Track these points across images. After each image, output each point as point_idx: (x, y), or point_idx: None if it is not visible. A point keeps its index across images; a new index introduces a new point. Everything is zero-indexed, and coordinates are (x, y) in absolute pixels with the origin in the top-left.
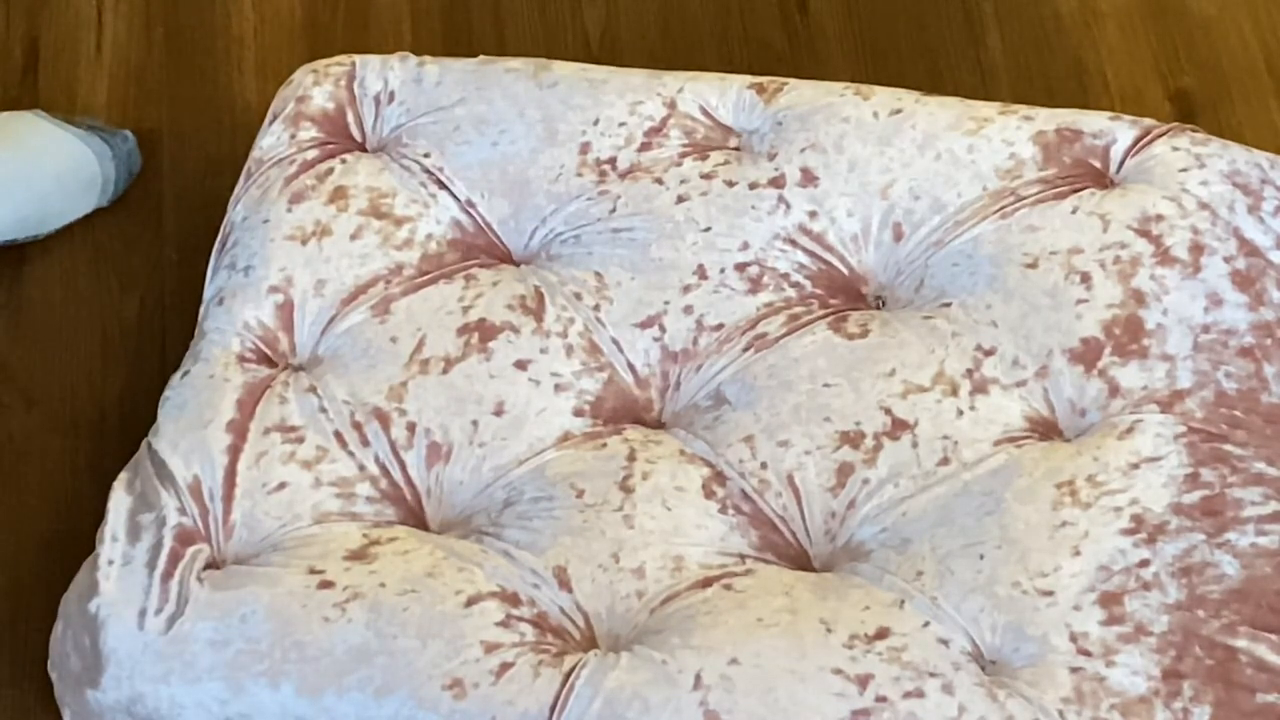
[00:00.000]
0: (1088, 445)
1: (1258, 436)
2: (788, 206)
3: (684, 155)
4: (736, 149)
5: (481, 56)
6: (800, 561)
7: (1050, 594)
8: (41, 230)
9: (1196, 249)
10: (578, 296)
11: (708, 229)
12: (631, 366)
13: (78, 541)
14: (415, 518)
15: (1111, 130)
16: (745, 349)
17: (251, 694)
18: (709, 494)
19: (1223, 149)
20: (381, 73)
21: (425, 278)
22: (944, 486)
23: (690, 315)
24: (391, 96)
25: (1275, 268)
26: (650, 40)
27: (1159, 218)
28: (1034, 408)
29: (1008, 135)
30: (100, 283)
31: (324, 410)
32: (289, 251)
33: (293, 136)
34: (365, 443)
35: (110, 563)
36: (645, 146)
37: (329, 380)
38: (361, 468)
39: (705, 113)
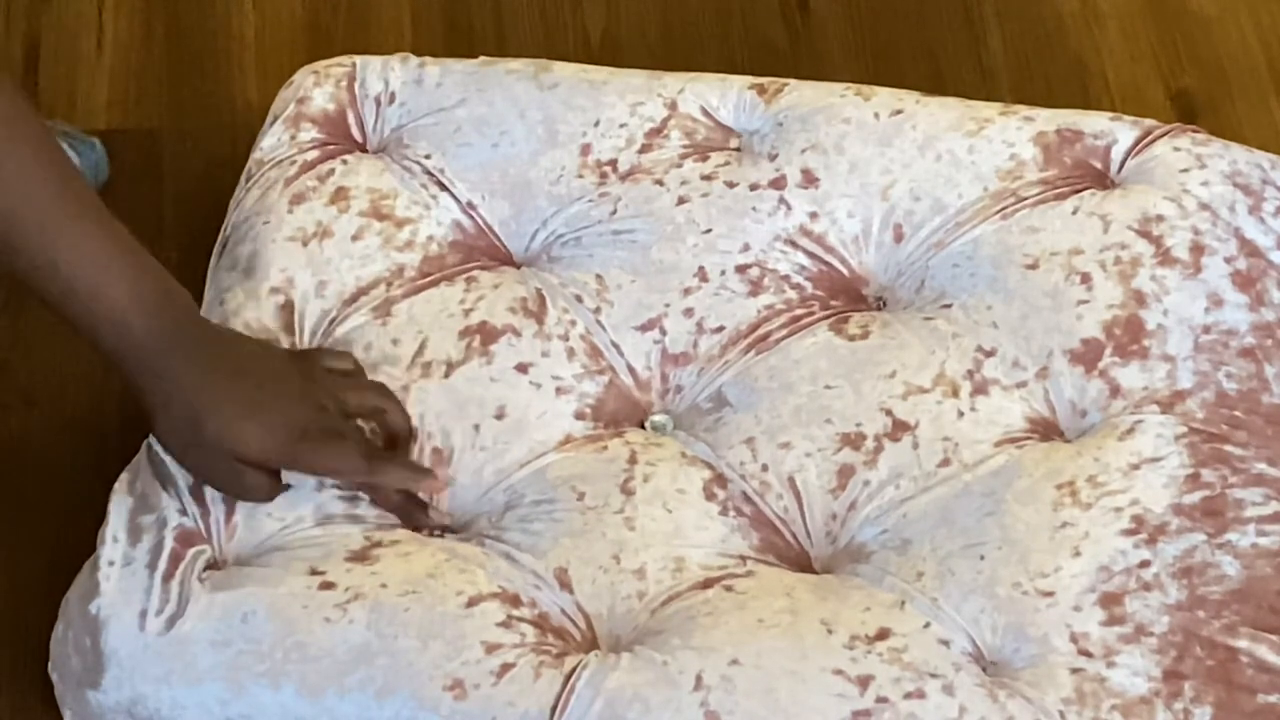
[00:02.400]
0: (1088, 446)
1: (1259, 437)
2: (788, 208)
3: (684, 156)
4: (737, 150)
5: (482, 57)
6: (801, 563)
7: (1051, 594)
8: None
9: (1197, 249)
10: (579, 299)
11: (708, 231)
12: (632, 369)
13: (78, 542)
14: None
15: (1112, 131)
16: (746, 351)
17: (253, 694)
18: (710, 496)
19: (1224, 149)
20: (382, 74)
21: (426, 280)
22: (945, 488)
23: (691, 318)
24: (392, 97)
25: (1276, 268)
26: (650, 40)
27: (1160, 218)
28: (1035, 408)
29: (1008, 136)
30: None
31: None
32: (290, 252)
33: (293, 137)
34: None
35: (111, 564)
36: (646, 148)
37: None
38: None
39: (706, 113)
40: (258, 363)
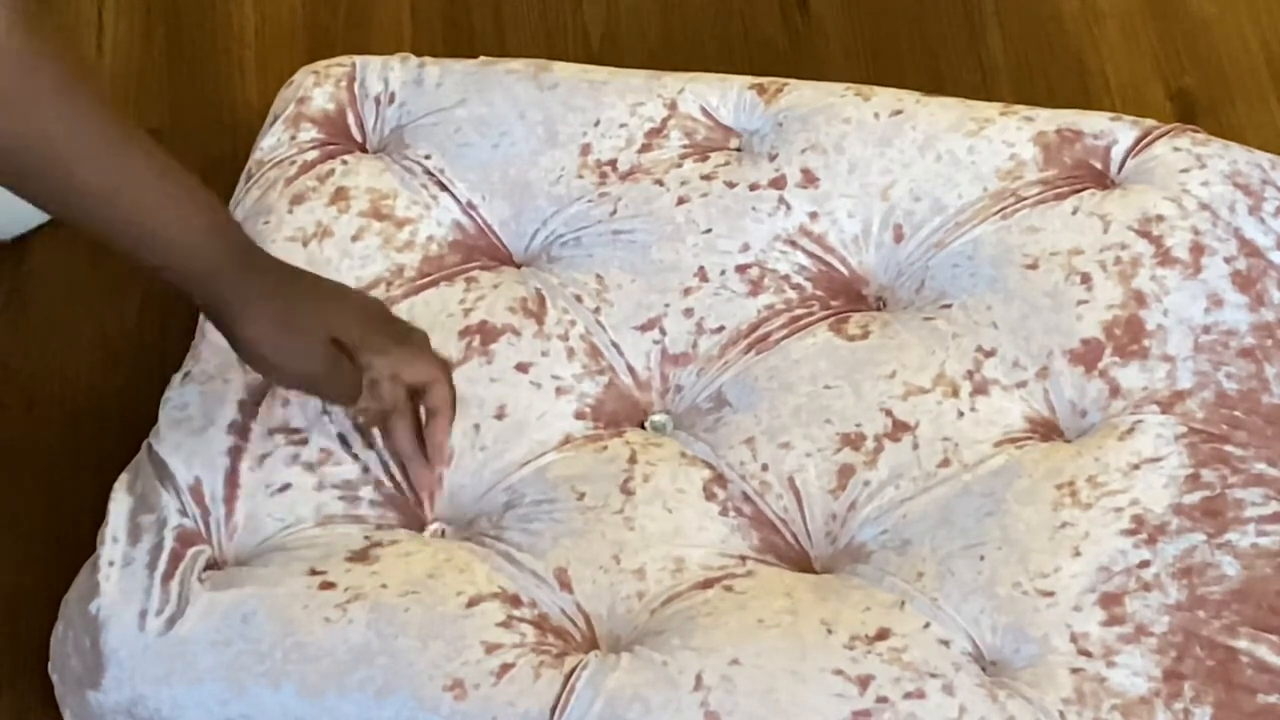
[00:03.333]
0: (1088, 446)
1: (1258, 437)
2: (788, 208)
3: (684, 156)
4: (737, 150)
5: (482, 58)
6: (801, 563)
7: (1051, 595)
8: (9, 233)
9: (1197, 250)
10: (578, 299)
11: (708, 231)
12: (632, 369)
13: (78, 542)
14: (417, 521)
15: (1112, 131)
16: (746, 351)
17: (253, 695)
18: (710, 496)
19: (1223, 149)
20: (382, 74)
21: (426, 280)
22: (945, 488)
23: (691, 318)
24: (392, 97)
25: (1276, 268)
26: (650, 40)
27: (1159, 218)
28: (1034, 409)
29: (1008, 136)
30: (100, 283)
31: (327, 412)
32: (290, 253)
33: (293, 137)
34: (369, 445)
35: (111, 564)
36: (646, 148)
37: None
38: (365, 470)
39: (706, 113)
40: (314, 278)
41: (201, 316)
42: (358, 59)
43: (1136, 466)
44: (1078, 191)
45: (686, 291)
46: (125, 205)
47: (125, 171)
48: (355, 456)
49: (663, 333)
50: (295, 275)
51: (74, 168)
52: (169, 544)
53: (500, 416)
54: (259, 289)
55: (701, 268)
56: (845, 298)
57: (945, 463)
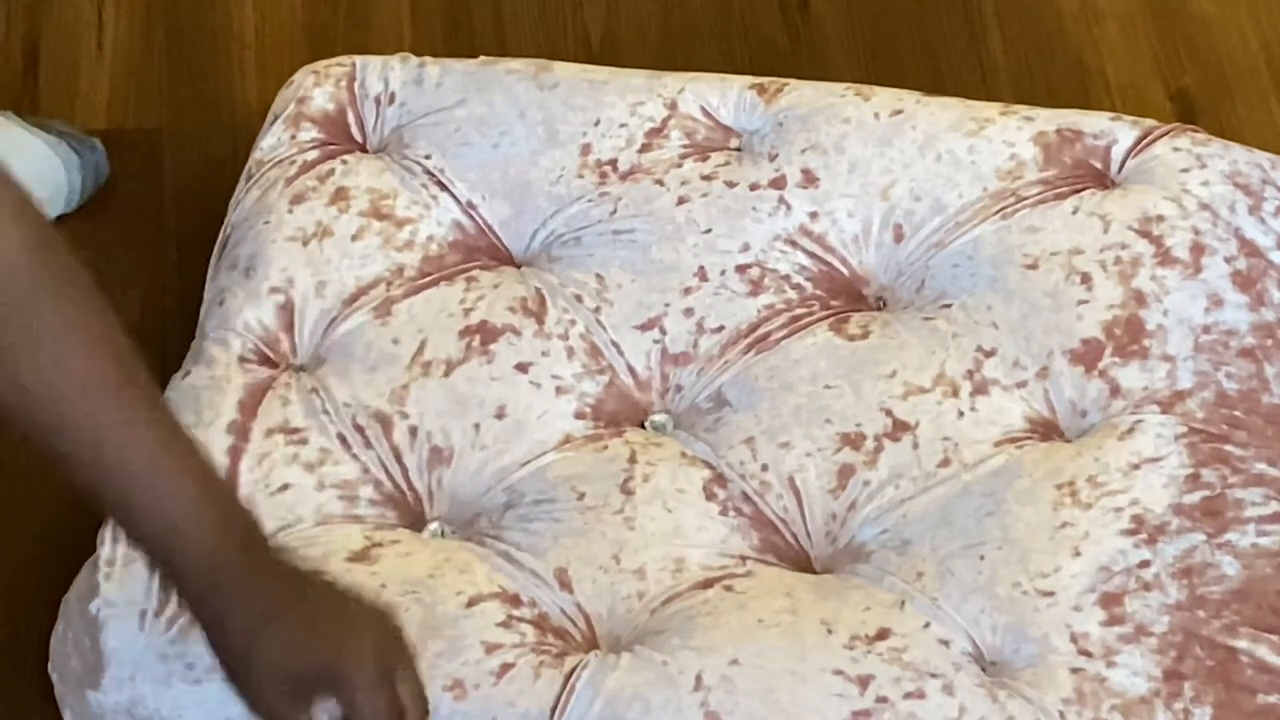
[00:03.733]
0: (1088, 446)
1: (1258, 437)
2: (788, 208)
3: (684, 156)
4: (737, 150)
5: (482, 57)
6: (801, 563)
7: (1051, 594)
8: None
9: (1197, 249)
10: (579, 299)
11: (708, 230)
12: (632, 369)
13: (78, 542)
14: (417, 520)
15: (1112, 131)
16: (746, 351)
17: None
18: (710, 496)
19: (1223, 149)
20: (382, 73)
21: (426, 279)
22: (945, 487)
23: (691, 317)
24: (392, 97)
25: (1276, 268)
26: (650, 40)
27: (1160, 218)
28: (1034, 408)
29: (1008, 136)
30: (100, 283)
31: (326, 412)
32: (290, 252)
33: (293, 137)
34: (368, 445)
35: (111, 564)
36: (646, 148)
37: (331, 382)
38: (365, 470)
39: (706, 113)
40: (319, 595)
41: (202, 314)
42: (358, 59)
43: (1136, 466)
44: (1078, 191)
45: (686, 291)
46: (106, 479)
47: (115, 427)
48: (355, 456)
49: (663, 332)
50: (273, 605)
51: (61, 422)
52: None
53: (500, 416)
54: (240, 612)
55: (701, 267)
56: (845, 298)
57: (945, 462)
